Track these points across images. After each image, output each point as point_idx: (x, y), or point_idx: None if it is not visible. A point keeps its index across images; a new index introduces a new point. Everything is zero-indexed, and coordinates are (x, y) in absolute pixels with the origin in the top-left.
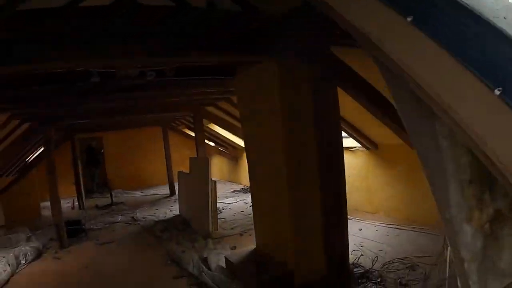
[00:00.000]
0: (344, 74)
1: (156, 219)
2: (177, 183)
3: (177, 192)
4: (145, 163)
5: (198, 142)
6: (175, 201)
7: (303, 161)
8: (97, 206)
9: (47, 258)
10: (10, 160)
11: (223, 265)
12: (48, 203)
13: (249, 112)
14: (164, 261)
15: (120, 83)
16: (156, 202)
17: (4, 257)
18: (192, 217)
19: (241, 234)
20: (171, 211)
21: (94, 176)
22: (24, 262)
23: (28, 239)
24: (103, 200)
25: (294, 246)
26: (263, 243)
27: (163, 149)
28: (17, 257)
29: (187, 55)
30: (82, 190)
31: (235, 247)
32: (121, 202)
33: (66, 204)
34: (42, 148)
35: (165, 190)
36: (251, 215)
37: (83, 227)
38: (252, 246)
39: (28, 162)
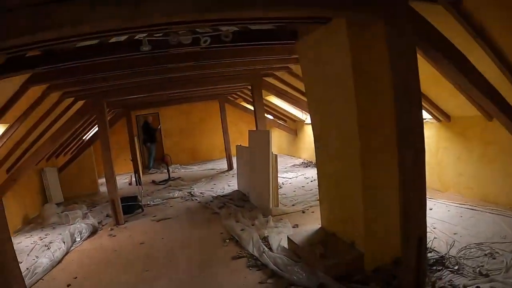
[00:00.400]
0: (425, 33)
1: (214, 195)
2: (235, 157)
3: (235, 166)
4: (202, 138)
5: (258, 114)
6: (233, 176)
7: (378, 131)
8: (154, 182)
9: (102, 235)
10: (66, 138)
11: (285, 245)
12: (103, 180)
13: (315, 79)
14: (222, 239)
15: (172, 52)
16: (214, 177)
17: (60, 234)
18: (252, 193)
19: (303, 212)
20: (229, 186)
21: (151, 152)
22: (79, 239)
23: (85, 216)
24: (160, 176)
25: (366, 225)
26: (330, 222)
27: (220, 123)
28: (72, 235)
29: (251, 6)
30: (139, 166)
31: (297, 226)
32: (178, 177)
33: (123, 180)
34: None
35: (223, 164)
36: (313, 191)
37: (140, 203)
38: (316, 224)
39: (85, 140)
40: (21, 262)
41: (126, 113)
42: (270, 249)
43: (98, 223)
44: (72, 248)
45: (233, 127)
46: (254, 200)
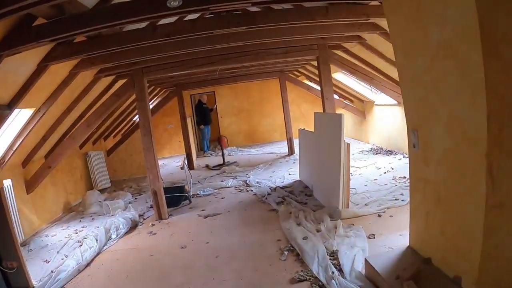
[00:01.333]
0: None
1: (273, 185)
2: (297, 140)
3: (296, 151)
4: (261, 118)
5: (325, 93)
6: (294, 163)
7: None
8: (207, 166)
9: (141, 232)
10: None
11: (361, 268)
12: (160, 161)
13: (413, 46)
14: (279, 249)
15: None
16: (272, 163)
17: (97, 227)
18: (316, 186)
19: (379, 215)
20: (290, 174)
21: (206, 134)
22: (115, 236)
23: (126, 207)
24: (215, 160)
25: (483, 258)
26: (424, 243)
27: (281, 103)
28: (107, 231)
29: None
30: (193, 148)
31: (373, 236)
32: (234, 162)
33: (176, 163)
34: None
35: (283, 148)
36: (388, 186)
37: (187, 194)
38: (400, 237)
39: (135, 121)
40: (48, 262)
41: (178, 92)
42: (341, 270)
43: (140, 215)
44: (105, 247)
45: (295, 107)
46: (319, 195)
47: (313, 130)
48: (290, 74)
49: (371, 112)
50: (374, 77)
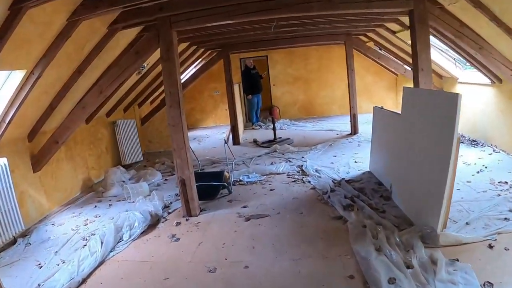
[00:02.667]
0: None
1: (336, 177)
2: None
3: (361, 131)
4: (319, 89)
5: (421, 62)
6: (359, 146)
7: None
8: (255, 142)
9: (161, 234)
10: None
11: None
12: (198, 132)
13: None
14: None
15: None
16: (333, 143)
17: (111, 219)
18: (399, 189)
19: (490, 245)
20: (356, 162)
21: (254, 104)
22: (127, 237)
23: (150, 193)
24: (264, 133)
25: None
26: None
27: (342, 73)
28: (118, 230)
29: None
30: (240, 119)
31: (490, 285)
32: (287, 139)
33: (220, 134)
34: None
35: (344, 125)
36: (488, 194)
37: (226, 183)
38: None
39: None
40: (41, 267)
41: (224, 54)
42: None
43: (165, 206)
44: (111, 254)
45: (358, 79)
46: (401, 201)
47: (395, 110)
48: (358, 39)
49: (452, 90)
50: (484, 45)
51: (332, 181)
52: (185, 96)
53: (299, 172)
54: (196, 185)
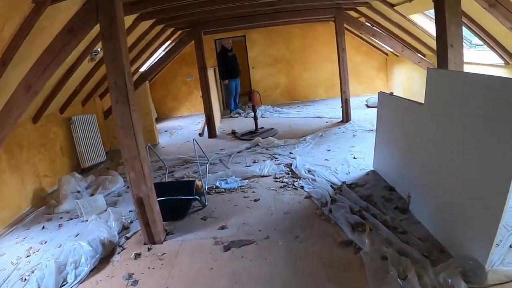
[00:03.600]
0: None
1: (335, 180)
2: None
3: (354, 118)
4: (302, 71)
5: (450, 37)
6: (354, 136)
7: None
8: (234, 134)
9: (115, 273)
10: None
11: None
12: (170, 123)
13: None
14: None
15: None
16: (324, 134)
17: (59, 246)
18: (420, 198)
19: None
20: (355, 158)
21: (232, 88)
22: (72, 279)
23: (106, 209)
24: (244, 122)
25: None
26: None
27: (328, 52)
28: (60, 270)
29: None
30: (216, 108)
31: None
32: (270, 129)
33: (195, 124)
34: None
35: (332, 111)
36: None
37: (198, 198)
38: None
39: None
40: None
41: (195, 34)
42: None
43: (123, 229)
44: None
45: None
46: (429, 220)
47: (413, 98)
48: (348, 13)
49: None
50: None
51: (331, 186)
52: (156, 83)
53: (288, 174)
54: (160, 201)
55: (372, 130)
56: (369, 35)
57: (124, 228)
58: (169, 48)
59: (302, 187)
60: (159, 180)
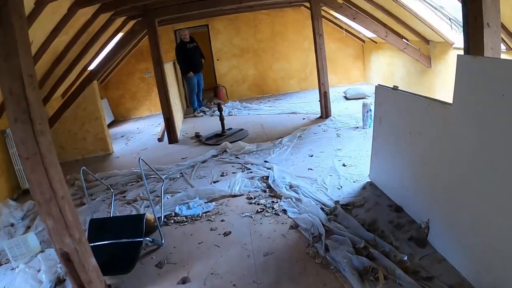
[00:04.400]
0: None
1: (325, 199)
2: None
3: (334, 112)
4: (272, 61)
5: (488, 15)
6: (338, 136)
7: None
8: (198, 137)
9: None
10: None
11: None
12: (128, 126)
13: None
14: None
15: None
16: (303, 134)
17: None
18: (449, 228)
19: None
20: (344, 165)
21: (194, 84)
22: None
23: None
24: (210, 123)
25: None
26: None
27: (300, 40)
28: None
29: None
30: (176, 109)
31: None
32: (239, 130)
33: (155, 127)
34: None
35: (307, 105)
36: None
37: (150, 239)
38: None
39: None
40: None
41: (149, 23)
42: None
43: (59, 282)
44: None
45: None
46: (460, 257)
47: (432, 96)
48: None
49: (444, 59)
50: None
51: (322, 208)
52: (111, 81)
53: (265, 191)
54: (98, 248)
55: (357, 127)
56: (349, 18)
57: (59, 282)
58: (117, 41)
59: (284, 211)
60: (106, 206)
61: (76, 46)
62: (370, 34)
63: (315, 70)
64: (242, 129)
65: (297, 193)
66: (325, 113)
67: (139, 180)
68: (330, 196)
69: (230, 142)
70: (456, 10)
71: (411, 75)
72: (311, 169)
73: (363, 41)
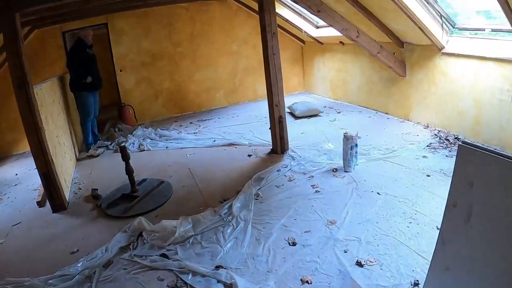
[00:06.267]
0: None
1: None
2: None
3: (296, 145)
4: (193, 70)
5: None
6: (316, 192)
7: None
8: (96, 199)
9: None
10: None
11: None
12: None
13: None
14: None
15: None
16: (261, 190)
17: None
18: None
19: None
20: (359, 264)
21: (90, 106)
22: None
23: None
24: (114, 167)
25: None
26: None
27: (229, 41)
28: None
29: None
30: (62, 149)
31: None
32: (159, 185)
33: (33, 183)
34: None
35: (246, 129)
36: None
37: None
38: None
39: None
40: None
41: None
42: None
43: None
44: None
45: (249, 51)
46: None
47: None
48: None
49: (427, 66)
50: None
51: None
52: None
53: None
54: None
55: (335, 169)
56: (311, 11)
57: None
58: None
59: None
60: None
61: None
62: (317, 34)
63: (246, 79)
64: (162, 182)
65: None
66: (280, 146)
67: None
68: None
69: (145, 215)
70: (449, 6)
71: (374, 85)
72: (308, 282)
73: (303, 41)
